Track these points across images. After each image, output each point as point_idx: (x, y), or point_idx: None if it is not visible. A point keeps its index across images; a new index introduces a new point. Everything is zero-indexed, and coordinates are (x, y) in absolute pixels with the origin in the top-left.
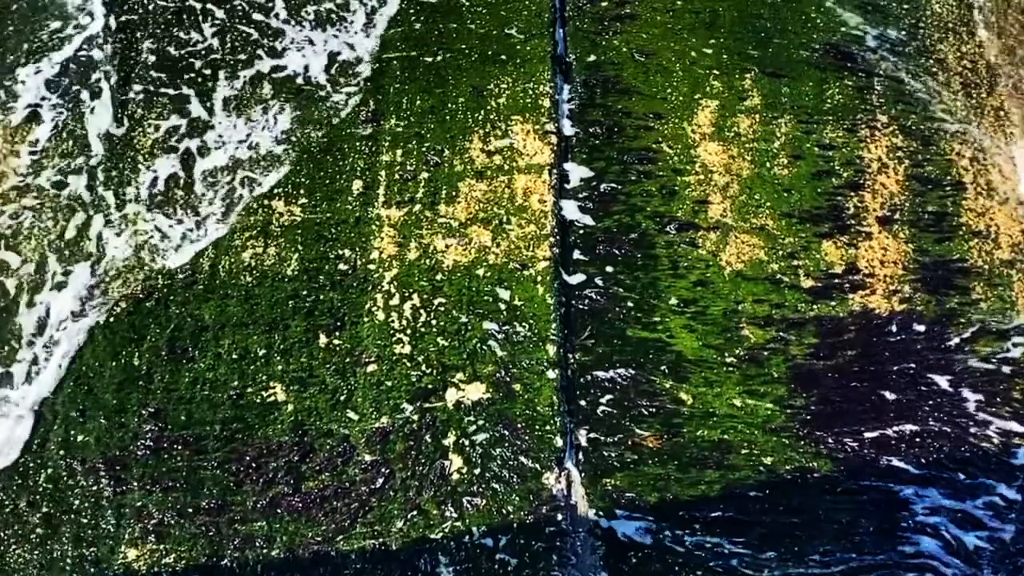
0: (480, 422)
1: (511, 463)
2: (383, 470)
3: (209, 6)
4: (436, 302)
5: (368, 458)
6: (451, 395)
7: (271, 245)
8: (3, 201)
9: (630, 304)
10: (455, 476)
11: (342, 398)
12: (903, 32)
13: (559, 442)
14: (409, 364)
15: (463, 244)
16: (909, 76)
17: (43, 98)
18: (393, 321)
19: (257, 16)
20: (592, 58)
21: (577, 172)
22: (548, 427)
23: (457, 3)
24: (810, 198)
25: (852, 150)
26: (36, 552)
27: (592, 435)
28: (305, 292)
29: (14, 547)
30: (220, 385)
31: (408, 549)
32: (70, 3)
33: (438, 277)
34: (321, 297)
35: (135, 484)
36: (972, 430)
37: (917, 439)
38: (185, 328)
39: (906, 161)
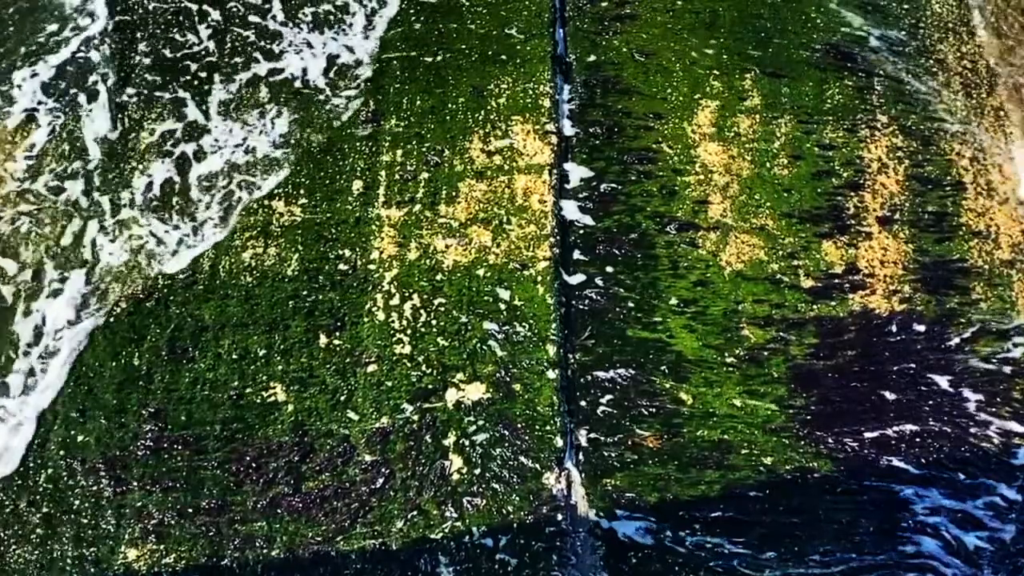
0: (480, 422)
1: (511, 463)
2: (383, 470)
3: (206, 8)
4: (436, 302)
5: (368, 458)
6: (451, 395)
7: (271, 245)
8: (1, 205)
9: (630, 304)
10: (455, 476)
11: (342, 398)
12: (903, 32)
13: (559, 442)
14: (409, 364)
15: (463, 244)
16: (909, 76)
17: (39, 102)
18: (393, 321)
19: (255, 18)
20: (592, 58)
21: (577, 172)
22: (548, 427)
23: (457, 3)
24: (810, 198)
25: (852, 150)
26: (36, 552)
27: (592, 435)
28: (305, 292)
29: (14, 547)
30: (220, 385)
31: (408, 549)
32: (68, 4)
33: (438, 277)
34: (321, 297)
35: (135, 484)
36: (972, 430)
37: (917, 439)
38: (185, 328)
39: (906, 161)
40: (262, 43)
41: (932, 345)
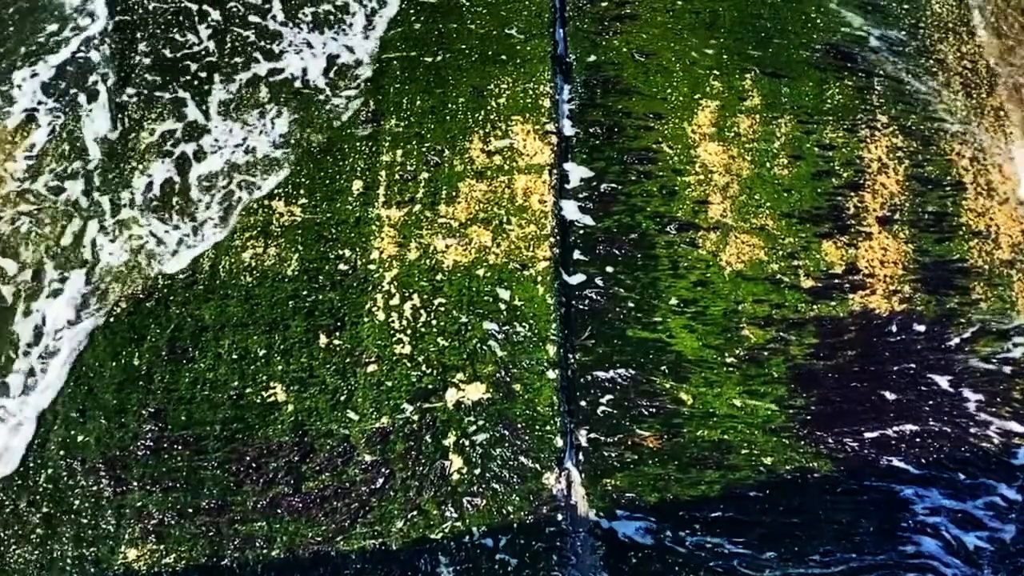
0: (480, 422)
1: (511, 463)
2: (383, 470)
3: (206, 7)
4: (436, 302)
5: (368, 458)
6: (451, 395)
7: (271, 245)
8: (1, 205)
9: (630, 304)
10: (455, 476)
11: (342, 398)
12: (903, 32)
13: (559, 442)
14: (409, 364)
15: (463, 244)
16: (909, 76)
17: (40, 102)
18: (393, 321)
19: (255, 18)
20: (592, 58)
21: (577, 172)
22: (548, 427)
23: (457, 3)
24: (810, 198)
25: (852, 150)
26: (36, 552)
27: (592, 435)
28: (305, 292)
29: (14, 547)
30: (220, 385)
31: (408, 549)
32: (68, 4)
33: (438, 277)
34: (321, 297)
35: (135, 484)
36: (972, 430)
37: (917, 439)
38: (185, 328)
39: (906, 161)
40: (262, 43)
41: (932, 345)
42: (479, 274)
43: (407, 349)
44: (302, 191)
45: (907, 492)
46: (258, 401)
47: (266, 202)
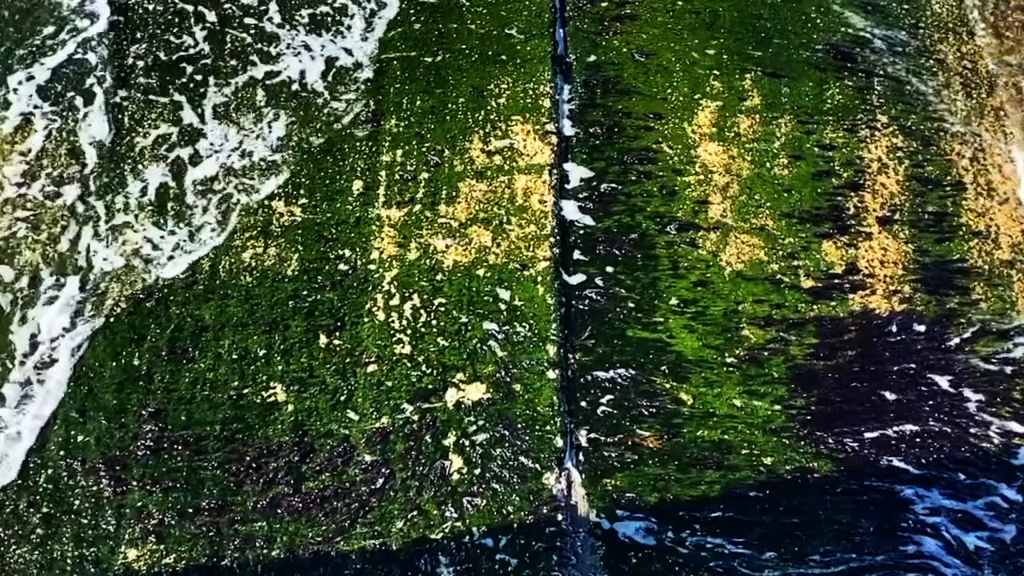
0: (480, 422)
1: (511, 463)
2: (383, 470)
3: (202, 9)
4: (436, 302)
5: (368, 458)
6: (451, 395)
7: (271, 245)
8: None
9: (630, 304)
10: (455, 476)
11: (342, 398)
12: (903, 32)
13: (559, 442)
14: (409, 364)
15: (463, 244)
16: (909, 76)
17: (36, 106)
18: (393, 321)
19: (253, 21)
20: (592, 58)
21: (577, 172)
22: (548, 427)
23: (457, 3)
24: (810, 198)
25: (852, 150)
26: (36, 552)
27: (592, 435)
28: (305, 292)
29: (14, 547)
30: (220, 385)
31: (408, 549)
32: (65, 5)
33: (438, 277)
34: (321, 297)
35: (135, 484)
36: (973, 430)
37: (917, 439)
38: (185, 328)
39: (906, 161)
40: (259, 45)
41: (932, 345)
42: (479, 274)
43: (407, 349)
44: (302, 191)
45: (907, 492)
46: (258, 401)
47: (266, 202)
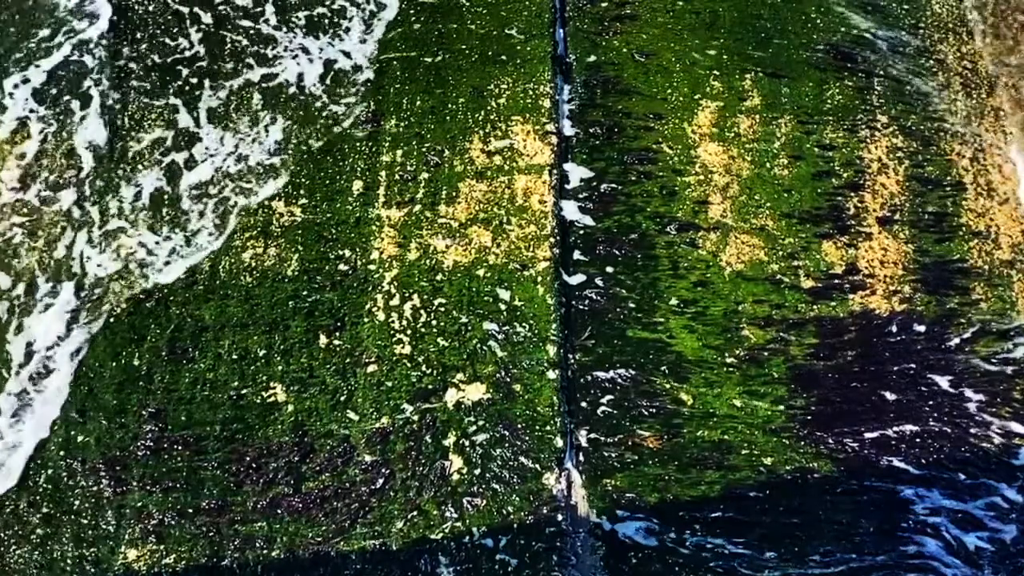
0: (480, 422)
1: (511, 463)
2: (383, 470)
3: (197, 11)
4: (436, 302)
5: (368, 458)
6: (451, 395)
7: (271, 245)
8: None
9: (630, 304)
10: (455, 476)
11: (342, 398)
12: (903, 32)
13: (559, 442)
14: (409, 364)
15: (463, 244)
16: (909, 76)
17: (31, 110)
18: (393, 321)
19: (249, 23)
20: (592, 58)
21: (577, 172)
22: (548, 427)
23: (457, 3)
24: (810, 198)
25: (852, 150)
26: (36, 552)
27: (592, 435)
28: (305, 292)
29: (14, 547)
30: (220, 385)
31: (408, 549)
32: (62, 7)
33: (438, 277)
34: (321, 297)
35: (135, 484)
36: (973, 431)
37: (918, 439)
38: (185, 328)
39: (906, 161)
40: (256, 48)
41: (932, 345)
42: (479, 274)
43: (407, 349)
44: (302, 191)
45: (907, 492)
46: (258, 401)
47: (266, 202)
